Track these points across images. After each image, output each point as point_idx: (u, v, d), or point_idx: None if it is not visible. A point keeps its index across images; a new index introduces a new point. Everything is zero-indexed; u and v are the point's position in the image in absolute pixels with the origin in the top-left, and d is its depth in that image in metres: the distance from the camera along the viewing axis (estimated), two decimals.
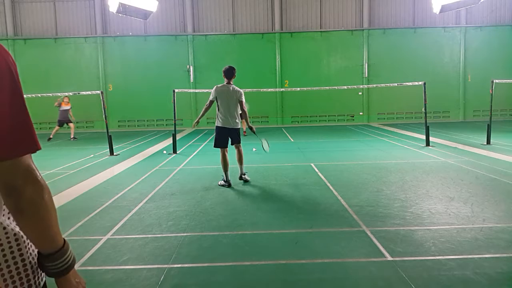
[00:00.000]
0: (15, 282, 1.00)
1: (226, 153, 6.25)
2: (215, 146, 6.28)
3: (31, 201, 0.96)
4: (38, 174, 0.99)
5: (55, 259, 1.05)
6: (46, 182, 1.01)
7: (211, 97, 6.25)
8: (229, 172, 6.23)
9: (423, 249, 3.48)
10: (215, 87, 6.24)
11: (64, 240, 1.09)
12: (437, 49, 19.19)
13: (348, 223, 4.24)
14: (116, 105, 18.87)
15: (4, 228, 0.99)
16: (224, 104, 6.15)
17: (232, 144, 6.31)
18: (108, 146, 10.07)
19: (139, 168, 8.03)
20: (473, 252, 3.37)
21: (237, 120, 6.25)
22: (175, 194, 5.73)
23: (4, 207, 1.00)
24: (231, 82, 6.28)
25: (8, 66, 0.94)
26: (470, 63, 19.21)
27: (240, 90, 6.28)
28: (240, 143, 6.35)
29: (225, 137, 6.24)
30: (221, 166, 6.25)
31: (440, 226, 4.05)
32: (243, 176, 6.43)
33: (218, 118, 6.24)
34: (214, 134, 6.31)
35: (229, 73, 6.22)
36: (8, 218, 1.01)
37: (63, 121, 14.15)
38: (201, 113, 6.44)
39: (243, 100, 6.30)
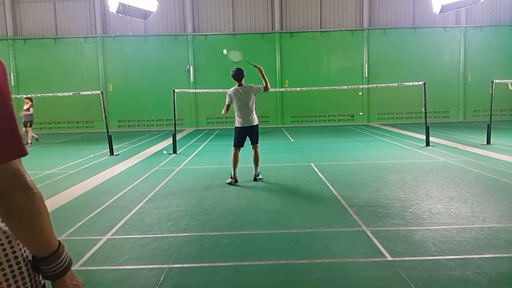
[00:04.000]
0: (10, 286, 0.98)
1: (238, 152, 6.37)
2: (234, 146, 6.39)
3: (20, 206, 0.95)
4: (28, 178, 0.98)
5: (50, 263, 1.03)
6: (38, 186, 1.00)
7: (227, 102, 6.37)
8: (237, 169, 6.34)
9: (423, 249, 3.48)
10: (228, 91, 6.35)
11: (60, 242, 1.07)
12: (437, 49, 19.18)
13: (348, 223, 4.24)
14: (116, 105, 18.86)
15: None
16: (240, 106, 6.26)
17: (251, 143, 6.41)
18: (108, 146, 10.07)
19: (139, 168, 8.02)
20: (473, 252, 3.37)
21: (254, 117, 6.35)
22: (175, 194, 5.73)
23: None
24: (243, 83, 6.33)
25: None
26: (470, 63, 19.21)
27: (251, 85, 6.32)
28: (258, 143, 6.44)
29: (245, 137, 6.37)
30: (231, 162, 6.35)
31: (440, 226, 4.05)
32: (257, 178, 6.49)
33: (236, 119, 6.38)
34: (234, 134, 6.42)
35: (239, 74, 6.27)
36: (1, 221, 0.99)
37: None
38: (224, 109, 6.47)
39: (259, 86, 6.28)
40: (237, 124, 6.35)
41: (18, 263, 1.01)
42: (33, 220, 0.98)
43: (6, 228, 1.00)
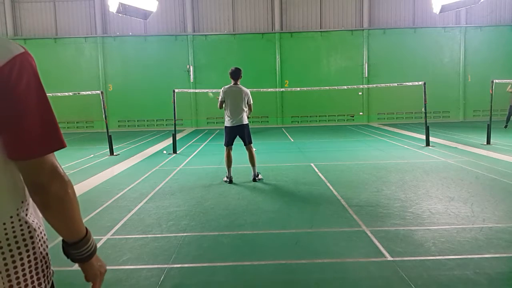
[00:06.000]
0: (26, 280, 1.01)
1: (230, 151, 6.42)
2: (225, 145, 6.45)
3: (57, 197, 1.02)
4: (62, 170, 1.04)
5: (79, 247, 1.12)
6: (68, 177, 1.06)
7: (220, 98, 6.41)
8: (231, 169, 6.39)
9: (423, 249, 3.48)
10: (222, 88, 6.39)
11: (87, 229, 1.16)
12: (437, 49, 19.17)
13: (348, 223, 4.24)
14: (116, 105, 18.85)
15: (21, 225, 1.01)
16: (231, 104, 6.31)
17: (244, 145, 6.48)
18: (108, 146, 10.07)
19: (139, 168, 8.02)
20: (473, 252, 3.37)
21: (244, 116, 6.38)
22: (175, 194, 5.73)
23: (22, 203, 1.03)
24: (238, 83, 6.40)
25: (33, 69, 1.01)
26: (470, 63, 19.20)
27: (247, 91, 6.42)
28: (251, 143, 6.48)
29: (234, 136, 6.43)
30: (224, 163, 6.42)
31: (440, 226, 4.05)
32: (256, 178, 6.48)
33: (226, 118, 6.44)
34: (224, 133, 6.48)
35: (236, 74, 6.36)
36: (26, 214, 1.03)
37: None
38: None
39: (251, 103, 6.51)
40: (227, 124, 6.42)
41: (35, 258, 1.04)
42: (68, 209, 1.06)
43: (30, 221, 1.03)
